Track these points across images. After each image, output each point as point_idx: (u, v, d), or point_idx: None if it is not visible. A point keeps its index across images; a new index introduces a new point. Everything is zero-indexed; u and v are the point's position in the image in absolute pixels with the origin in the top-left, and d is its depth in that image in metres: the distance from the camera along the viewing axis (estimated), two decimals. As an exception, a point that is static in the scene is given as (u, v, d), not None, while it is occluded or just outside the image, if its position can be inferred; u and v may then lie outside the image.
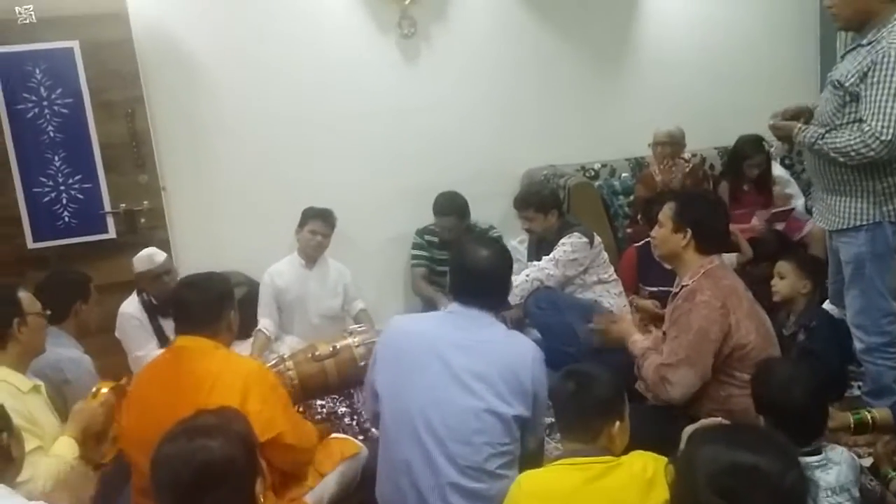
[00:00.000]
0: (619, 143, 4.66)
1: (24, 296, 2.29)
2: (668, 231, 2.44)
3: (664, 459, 1.65)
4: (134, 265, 3.32)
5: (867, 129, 2.46)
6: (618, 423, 1.82)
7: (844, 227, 2.67)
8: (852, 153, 2.51)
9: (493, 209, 3.99)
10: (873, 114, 2.45)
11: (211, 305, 2.17)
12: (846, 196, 2.65)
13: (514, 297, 3.38)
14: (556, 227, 3.55)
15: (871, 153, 2.48)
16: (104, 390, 2.34)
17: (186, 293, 2.23)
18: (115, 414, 2.29)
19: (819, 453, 1.83)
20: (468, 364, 2.02)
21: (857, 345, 2.77)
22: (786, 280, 3.03)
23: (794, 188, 4.46)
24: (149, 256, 3.31)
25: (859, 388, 2.96)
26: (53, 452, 2.09)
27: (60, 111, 3.56)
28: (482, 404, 1.99)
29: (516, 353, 2.10)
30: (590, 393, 1.83)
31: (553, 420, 2.08)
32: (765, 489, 1.26)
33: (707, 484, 1.28)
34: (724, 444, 1.33)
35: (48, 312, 2.37)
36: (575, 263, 3.46)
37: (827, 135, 2.59)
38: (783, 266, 3.06)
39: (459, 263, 2.21)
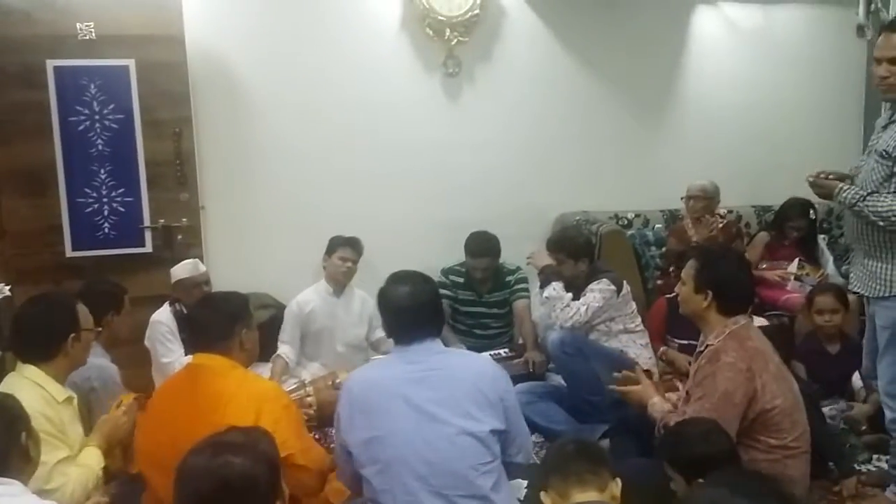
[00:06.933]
0: (654, 195, 4.66)
1: (81, 310, 2.29)
2: (690, 290, 2.41)
3: None
4: (174, 273, 3.43)
5: None
6: (618, 480, 1.76)
7: (885, 294, 2.62)
8: (893, 217, 2.49)
9: (522, 251, 3.98)
10: None
11: (223, 323, 2.19)
12: (885, 262, 2.60)
13: (565, 321, 3.37)
14: (584, 275, 3.54)
15: None
16: (128, 402, 2.37)
17: (201, 309, 2.30)
18: (136, 425, 2.31)
19: None
20: (429, 394, 2.02)
21: (888, 414, 2.69)
22: None
23: (823, 245, 4.41)
24: (194, 264, 3.48)
25: (887, 460, 2.87)
26: (81, 462, 2.11)
27: (111, 126, 3.66)
28: (452, 429, 1.98)
29: (474, 369, 2.12)
30: (592, 445, 1.84)
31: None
32: None
33: None
34: (727, 489, 1.33)
35: (99, 329, 2.37)
36: (599, 310, 3.44)
37: (869, 196, 2.56)
38: None
39: (384, 306, 2.18)
